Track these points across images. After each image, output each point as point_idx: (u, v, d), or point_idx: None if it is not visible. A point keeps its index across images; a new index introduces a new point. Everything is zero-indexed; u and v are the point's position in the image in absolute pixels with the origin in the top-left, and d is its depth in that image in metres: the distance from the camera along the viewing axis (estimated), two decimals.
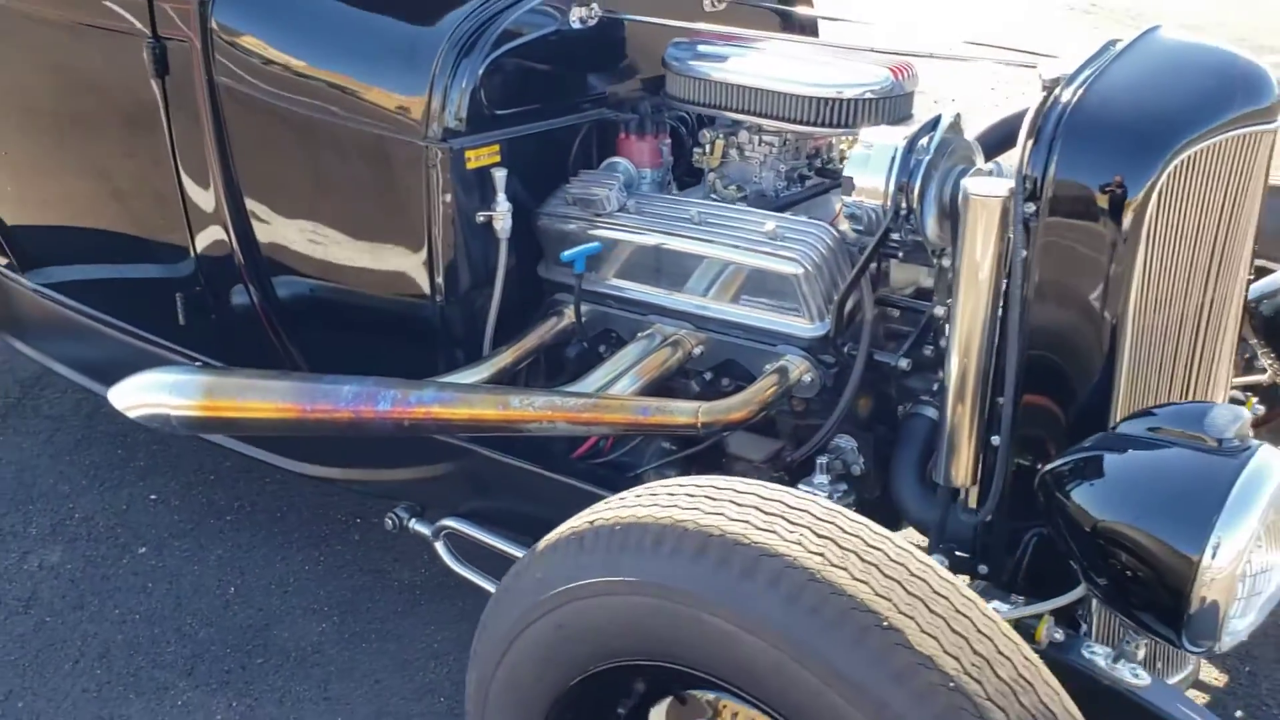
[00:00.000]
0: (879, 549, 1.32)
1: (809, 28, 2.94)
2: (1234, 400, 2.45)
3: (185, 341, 2.69)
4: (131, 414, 2.29)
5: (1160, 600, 1.54)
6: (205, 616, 2.70)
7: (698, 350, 2.21)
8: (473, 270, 2.29)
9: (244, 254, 2.45)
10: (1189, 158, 1.72)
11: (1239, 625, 1.56)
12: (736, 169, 2.34)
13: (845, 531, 1.34)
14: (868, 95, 2.16)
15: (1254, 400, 2.42)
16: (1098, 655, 1.74)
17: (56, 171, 2.84)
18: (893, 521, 1.99)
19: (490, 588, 2.05)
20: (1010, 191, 1.73)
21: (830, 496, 2.08)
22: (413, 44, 2.22)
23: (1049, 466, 1.68)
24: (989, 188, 1.75)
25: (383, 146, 2.23)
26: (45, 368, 3.16)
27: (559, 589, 1.47)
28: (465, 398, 2.10)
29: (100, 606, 2.72)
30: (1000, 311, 1.79)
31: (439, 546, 2.36)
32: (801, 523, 1.35)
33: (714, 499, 1.40)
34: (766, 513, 1.36)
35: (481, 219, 2.23)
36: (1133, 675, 1.64)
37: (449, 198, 2.20)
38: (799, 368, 2.09)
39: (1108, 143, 1.71)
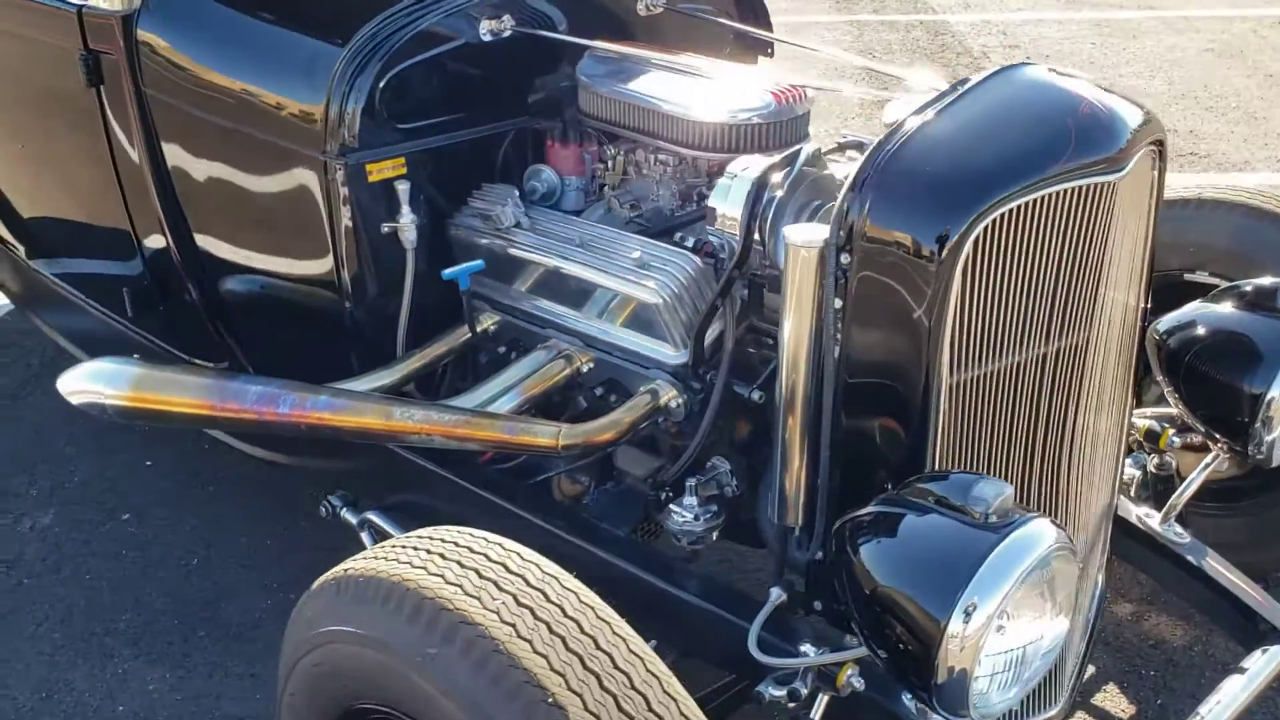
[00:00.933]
0: (576, 620, 1.36)
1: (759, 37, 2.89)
2: (1150, 433, 2.39)
3: (149, 330, 2.85)
4: (73, 400, 2.44)
5: (916, 666, 1.54)
6: (165, 586, 2.87)
7: (586, 367, 2.25)
8: (380, 278, 2.37)
9: (181, 253, 2.58)
10: (1011, 211, 1.68)
11: (996, 699, 1.56)
12: (635, 186, 2.35)
13: (549, 600, 1.39)
14: (754, 120, 2.15)
15: (1170, 431, 2.36)
16: (909, 702, 1.76)
17: (36, 170, 3.03)
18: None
19: None
20: (826, 242, 1.72)
21: (697, 518, 2.13)
22: (313, 58, 2.28)
23: (844, 519, 1.68)
24: (806, 236, 1.74)
25: (288, 159, 2.31)
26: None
27: (318, 630, 1.56)
28: (355, 406, 2.18)
29: (75, 571, 2.93)
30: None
31: (364, 537, 2.47)
32: (509, 589, 1.40)
33: (446, 558, 1.46)
34: (483, 576, 1.42)
35: (386, 230, 2.30)
36: None
37: (349, 210, 2.27)
38: (667, 393, 2.11)
39: (918, 196, 1.68)
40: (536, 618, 1.35)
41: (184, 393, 2.32)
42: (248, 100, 2.34)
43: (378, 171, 2.28)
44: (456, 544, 1.48)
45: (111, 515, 3.12)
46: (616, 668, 1.32)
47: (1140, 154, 1.81)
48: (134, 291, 2.75)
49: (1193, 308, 2.21)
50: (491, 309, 2.39)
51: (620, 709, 1.29)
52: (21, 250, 3.31)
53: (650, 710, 1.30)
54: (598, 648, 1.33)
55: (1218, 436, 2.16)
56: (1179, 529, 2.27)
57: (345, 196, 2.26)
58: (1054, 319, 1.81)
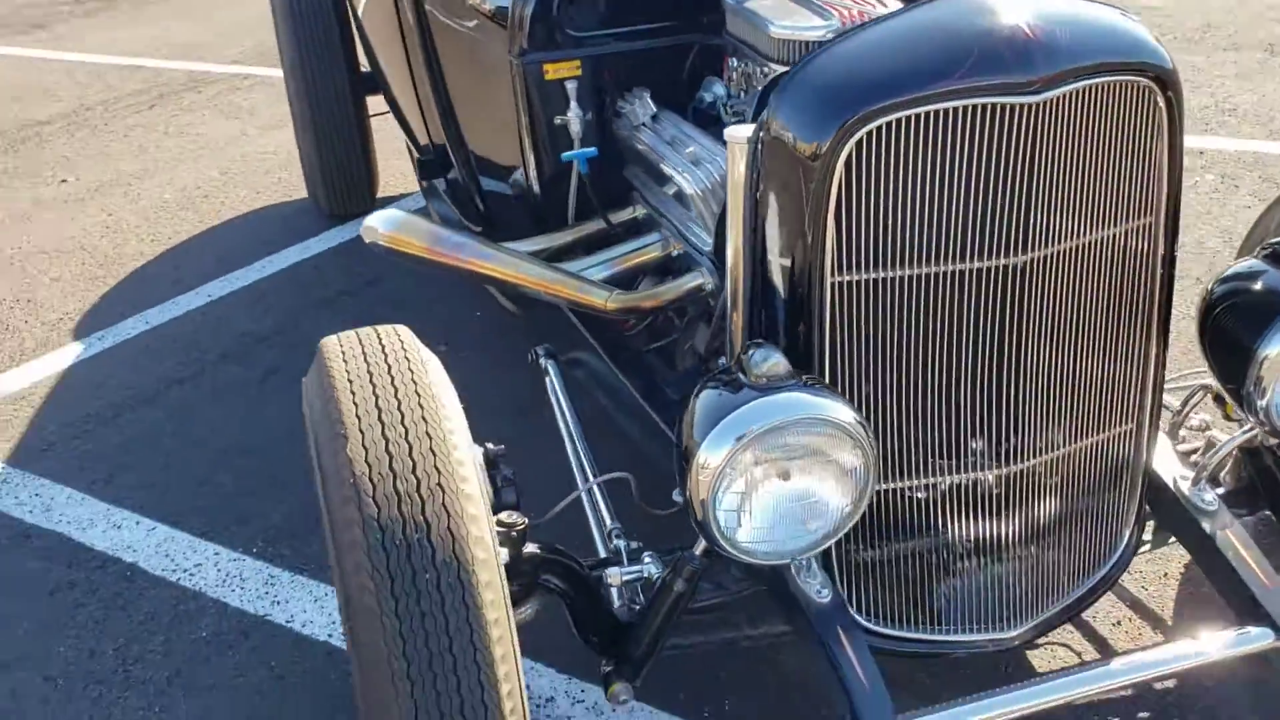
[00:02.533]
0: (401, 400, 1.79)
1: None
2: (1218, 397, 2.28)
3: (438, 197, 3.57)
4: (361, 232, 3.19)
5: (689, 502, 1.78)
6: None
7: (677, 253, 2.58)
8: (554, 163, 2.84)
9: (448, 137, 3.22)
10: (898, 122, 1.78)
11: (744, 539, 1.76)
12: (744, 101, 2.60)
13: (390, 376, 1.82)
14: (824, 36, 2.33)
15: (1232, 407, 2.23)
16: None
17: (397, 87, 3.84)
18: None
19: None
20: (749, 139, 1.94)
21: None
22: None
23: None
24: (741, 132, 1.97)
25: (496, 59, 2.84)
26: None
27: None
28: (490, 256, 2.68)
29: None
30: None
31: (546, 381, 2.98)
32: (370, 361, 1.85)
33: (369, 342, 1.93)
34: (364, 351, 1.88)
35: (558, 122, 2.77)
36: None
37: (526, 104, 2.76)
38: (705, 276, 2.40)
39: (810, 101, 1.84)
40: (372, 385, 1.78)
41: (419, 238, 2.96)
42: (473, 7, 2.90)
43: (554, 71, 2.74)
44: (384, 335, 1.94)
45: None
46: (408, 438, 1.71)
47: (1084, 83, 1.80)
48: (424, 165, 3.46)
49: (1235, 265, 2.07)
50: (632, 194, 2.78)
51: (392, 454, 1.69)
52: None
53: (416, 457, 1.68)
54: (401, 422, 1.73)
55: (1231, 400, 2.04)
56: (1208, 496, 2.16)
57: (524, 91, 2.75)
58: (965, 237, 1.86)
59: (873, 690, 1.90)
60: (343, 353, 1.89)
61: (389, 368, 1.83)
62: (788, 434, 1.71)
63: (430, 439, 1.73)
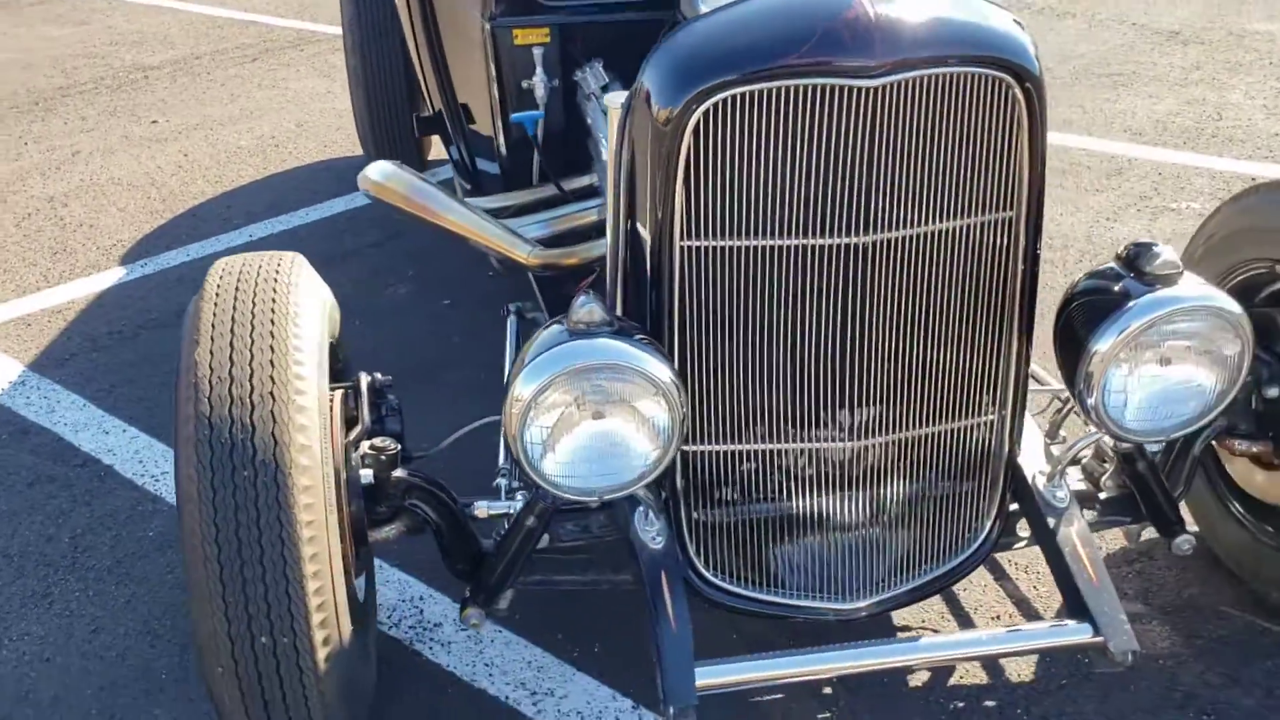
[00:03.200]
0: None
1: None
2: None
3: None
4: (358, 180, 3.38)
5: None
6: (428, 329, 3.76)
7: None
8: (520, 126, 2.98)
9: (445, 100, 3.39)
10: (740, 96, 1.87)
11: (550, 469, 1.88)
12: None
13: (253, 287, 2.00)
14: None
15: None
16: None
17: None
18: None
19: None
20: (623, 104, 2.05)
21: None
22: None
23: None
24: (617, 98, 2.08)
25: (472, 22, 2.99)
26: None
27: None
28: (444, 206, 2.84)
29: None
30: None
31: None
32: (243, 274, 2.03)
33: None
34: (243, 268, 2.06)
35: (525, 86, 2.91)
36: None
37: (495, 66, 2.91)
38: None
39: (666, 72, 1.94)
40: (235, 299, 1.95)
41: (400, 189, 3.13)
42: None
43: (523, 37, 2.88)
44: (269, 260, 2.11)
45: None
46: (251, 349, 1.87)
47: (927, 72, 1.86)
48: (421, 122, 3.63)
49: (1092, 270, 2.10)
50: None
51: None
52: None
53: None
54: (250, 334, 1.89)
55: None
56: (1060, 494, 2.19)
57: (493, 54, 2.90)
58: (808, 213, 1.93)
59: (678, 634, 2.00)
60: (225, 270, 2.06)
61: (255, 288, 1.99)
62: (592, 377, 1.83)
63: (273, 352, 1.88)
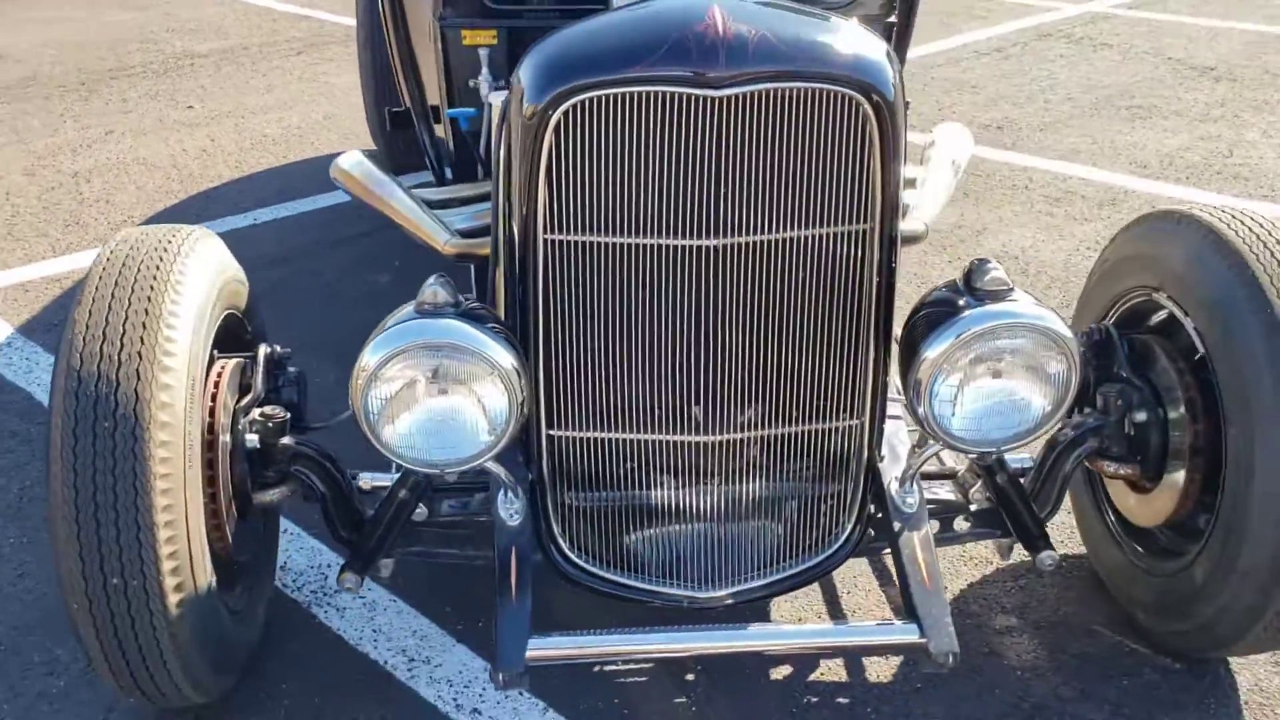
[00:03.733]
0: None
1: None
2: None
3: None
4: (331, 171, 3.53)
5: None
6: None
7: None
8: (469, 121, 3.11)
9: (409, 93, 3.52)
10: (597, 99, 1.97)
11: (389, 436, 2.00)
12: None
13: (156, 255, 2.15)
14: None
15: None
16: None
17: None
18: None
19: None
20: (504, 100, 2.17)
21: None
22: None
23: None
24: (499, 97, 2.19)
25: (431, 22, 3.13)
26: None
27: None
28: (393, 197, 2.98)
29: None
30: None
31: None
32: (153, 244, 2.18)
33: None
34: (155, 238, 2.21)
35: (471, 84, 3.04)
36: None
37: (445, 64, 3.05)
38: None
39: (535, 72, 2.05)
40: (124, 265, 2.10)
41: (360, 178, 3.28)
42: None
43: (471, 37, 3.01)
44: (174, 232, 2.26)
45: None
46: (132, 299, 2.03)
47: (770, 85, 1.94)
48: (392, 116, 3.77)
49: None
50: None
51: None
52: None
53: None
54: (129, 297, 2.04)
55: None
56: (910, 499, 2.26)
57: (442, 52, 3.03)
58: (660, 214, 2.03)
59: (517, 606, 2.11)
60: (124, 238, 2.21)
61: (144, 256, 2.14)
62: (435, 355, 1.95)
63: (146, 315, 2.03)
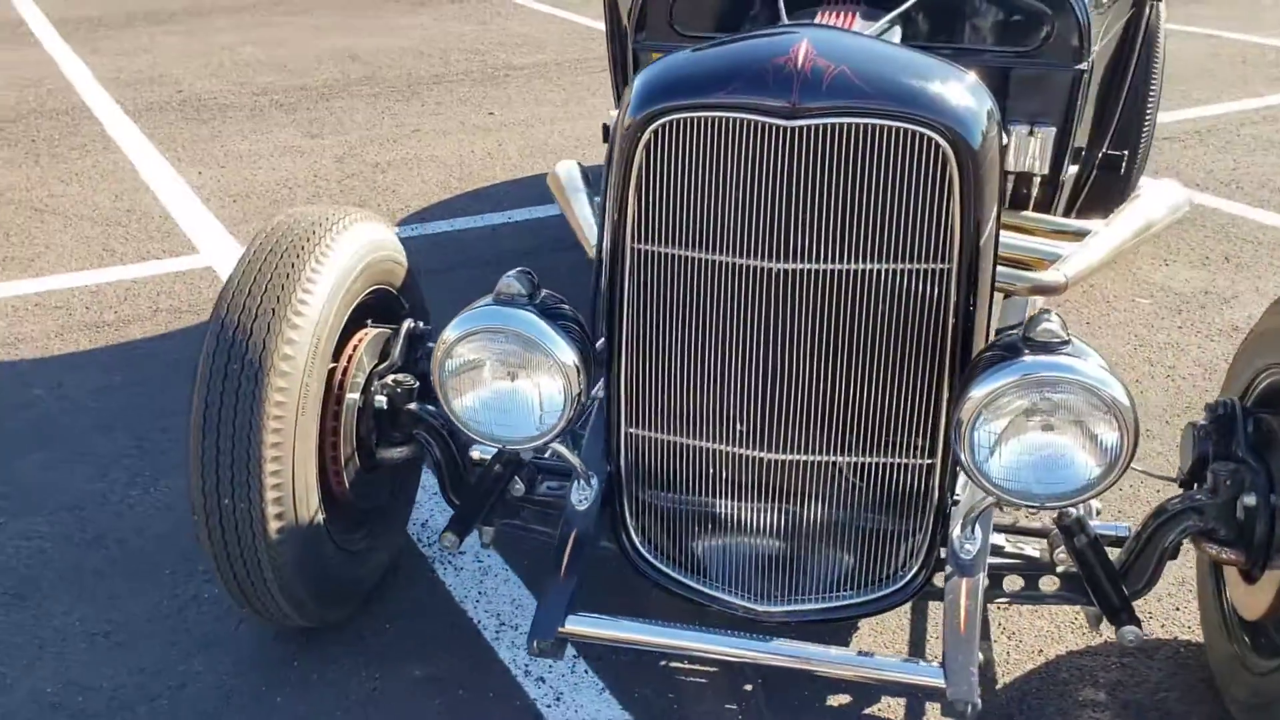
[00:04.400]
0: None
1: None
2: None
3: None
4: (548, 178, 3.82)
5: None
6: None
7: None
8: None
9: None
10: (682, 121, 2.11)
11: (458, 407, 2.20)
12: None
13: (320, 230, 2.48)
14: None
15: None
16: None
17: None
18: None
19: None
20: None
21: None
22: None
23: None
24: (614, 113, 2.37)
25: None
26: None
27: None
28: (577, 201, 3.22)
29: None
30: None
31: None
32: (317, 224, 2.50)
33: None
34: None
35: None
36: None
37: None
38: None
39: (636, 93, 2.20)
40: (280, 235, 2.43)
41: (563, 181, 3.54)
42: None
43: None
44: (337, 212, 2.56)
45: None
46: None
47: (844, 120, 2.02)
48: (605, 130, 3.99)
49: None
50: None
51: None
52: None
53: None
54: (277, 266, 2.36)
55: None
56: (970, 546, 2.24)
57: (633, 73, 3.23)
58: (735, 234, 2.13)
59: (564, 584, 2.27)
60: (289, 213, 2.54)
61: (305, 231, 2.45)
62: (500, 340, 2.15)
63: (288, 279, 2.34)
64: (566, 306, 2.27)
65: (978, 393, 2.00)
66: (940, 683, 2.09)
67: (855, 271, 2.13)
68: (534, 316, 2.16)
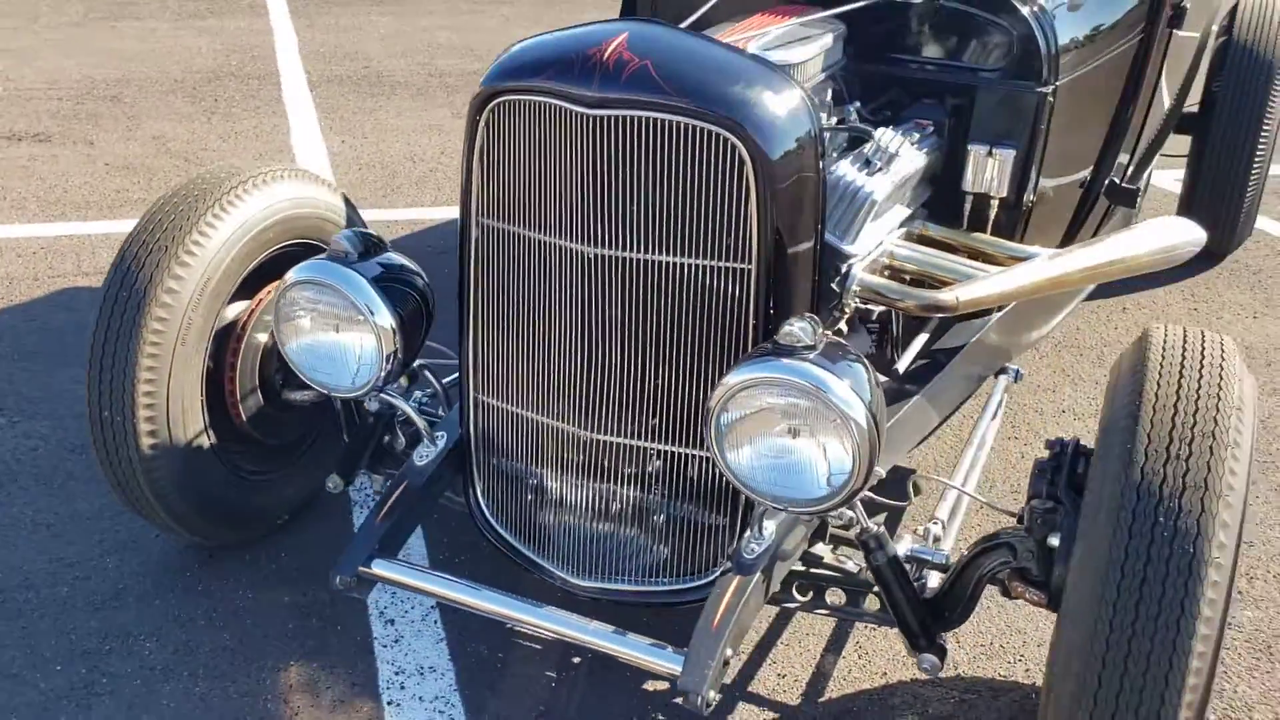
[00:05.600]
0: None
1: None
2: None
3: None
4: None
5: None
6: None
7: None
8: None
9: None
10: (508, 103, 2.21)
11: (290, 345, 2.40)
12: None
13: None
14: None
15: None
16: None
17: None
18: None
19: None
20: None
21: None
22: None
23: None
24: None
25: None
26: None
27: None
28: None
29: None
30: None
31: None
32: None
33: None
34: None
35: None
36: None
37: None
38: None
39: (489, 70, 2.31)
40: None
41: None
42: None
43: None
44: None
45: None
46: None
47: (639, 113, 2.07)
48: None
49: None
50: None
51: None
52: None
53: None
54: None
55: None
56: (755, 545, 2.22)
57: None
58: (553, 215, 2.22)
59: (377, 526, 2.41)
60: (217, 167, 2.78)
61: (219, 182, 2.68)
62: (325, 294, 2.32)
63: (186, 221, 2.58)
64: (408, 268, 2.41)
65: (730, 380, 2.00)
66: (674, 669, 2.12)
67: (661, 263, 2.18)
68: (356, 275, 2.32)
